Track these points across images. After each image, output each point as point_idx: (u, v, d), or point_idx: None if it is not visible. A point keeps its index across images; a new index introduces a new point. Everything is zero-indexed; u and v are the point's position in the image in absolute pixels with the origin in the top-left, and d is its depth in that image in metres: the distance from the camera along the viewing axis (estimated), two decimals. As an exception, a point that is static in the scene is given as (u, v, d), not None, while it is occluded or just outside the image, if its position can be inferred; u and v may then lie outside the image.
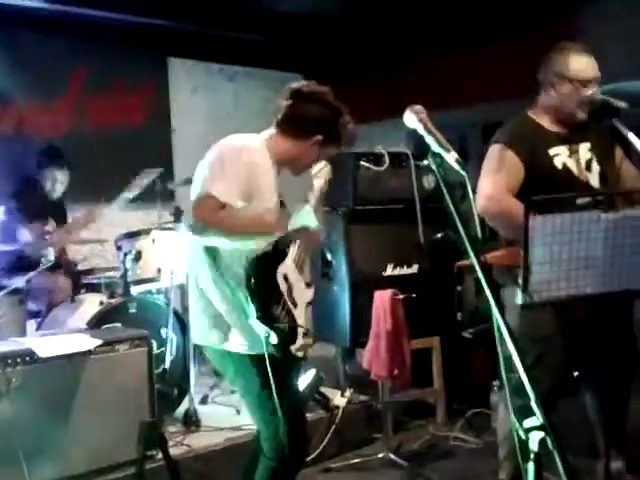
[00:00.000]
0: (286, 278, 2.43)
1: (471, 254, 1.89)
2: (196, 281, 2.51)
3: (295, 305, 2.43)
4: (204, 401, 4.21)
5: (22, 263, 4.16)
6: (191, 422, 3.79)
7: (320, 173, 2.65)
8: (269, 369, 2.32)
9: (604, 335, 2.74)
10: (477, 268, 1.88)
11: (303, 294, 2.51)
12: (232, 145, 2.41)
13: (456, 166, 1.93)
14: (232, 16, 5.19)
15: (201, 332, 2.51)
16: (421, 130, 1.99)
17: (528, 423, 1.73)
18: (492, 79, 5.06)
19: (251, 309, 2.30)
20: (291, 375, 2.58)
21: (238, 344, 2.42)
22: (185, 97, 5.81)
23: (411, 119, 2.00)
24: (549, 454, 1.68)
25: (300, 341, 2.41)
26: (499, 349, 1.94)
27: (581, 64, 2.78)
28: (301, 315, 2.46)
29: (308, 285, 2.58)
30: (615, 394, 2.86)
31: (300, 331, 2.43)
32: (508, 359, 2.75)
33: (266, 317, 2.30)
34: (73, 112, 5.18)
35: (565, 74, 2.79)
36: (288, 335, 2.36)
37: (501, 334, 1.88)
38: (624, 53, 4.39)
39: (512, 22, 4.89)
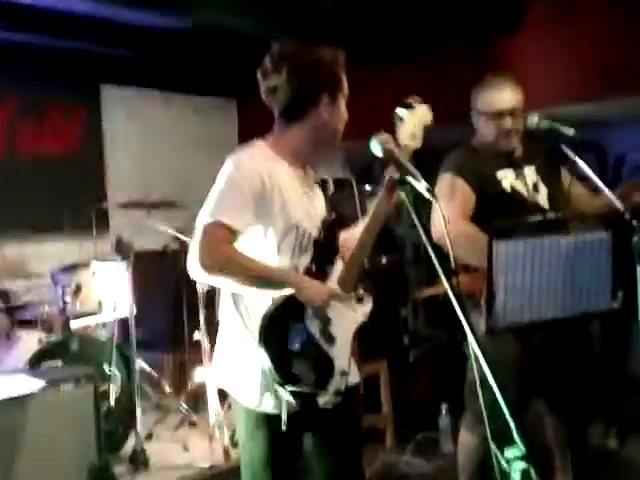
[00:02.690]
0: (319, 312, 2.03)
1: (444, 279, 1.88)
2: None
3: (332, 341, 2.04)
4: (149, 438, 4.06)
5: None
6: (139, 461, 3.64)
7: (412, 124, 2.12)
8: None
9: (563, 359, 2.78)
10: (450, 293, 1.88)
11: (350, 318, 2.12)
12: (236, 160, 2.03)
13: (426, 194, 1.92)
14: (165, 42, 5.11)
15: (215, 369, 2.17)
16: (389, 159, 1.98)
17: (510, 453, 1.72)
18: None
19: (265, 369, 1.95)
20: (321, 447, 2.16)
21: (245, 393, 2.04)
22: (119, 123, 5.66)
23: (377, 148, 1.99)
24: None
25: (331, 390, 2.01)
26: (476, 375, 1.92)
27: (489, 97, 2.86)
28: (342, 350, 2.07)
29: (361, 300, 2.18)
30: (575, 417, 2.91)
31: (337, 373, 2.04)
32: (469, 387, 2.78)
33: (282, 380, 1.94)
34: (3, 139, 4.96)
35: (478, 108, 2.89)
36: (313, 392, 1.99)
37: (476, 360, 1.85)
38: (554, 79, 4.54)
39: (438, 46, 4.98)
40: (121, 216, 4.87)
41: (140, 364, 4.08)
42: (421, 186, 1.90)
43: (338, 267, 2.13)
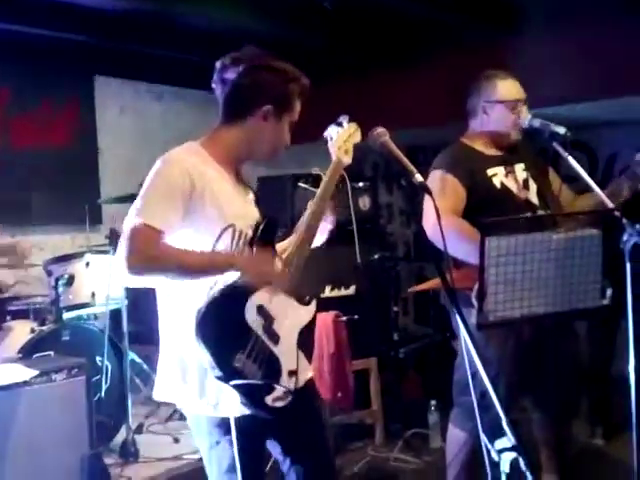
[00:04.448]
0: (261, 309, 1.98)
1: (439, 275, 1.91)
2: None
3: (276, 340, 2.00)
4: (139, 430, 4.07)
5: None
6: (129, 453, 3.66)
7: (341, 140, 2.22)
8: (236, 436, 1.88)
9: (551, 354, 2.82)
10: (445, 289, 1.91)
11: (293, 318, 2.09)
12: (166, 160, 1.97)
13: (420, 187, 1.95)
14: (160, 35, 5.11)
15: (157, 383, 2.08)
16: (385, 153, 2.00)
17: (500, 444, 1.75)
18: (415, 104, 5.18)
19: (206, 366, 1.88)
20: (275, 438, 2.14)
21: (199, 400, 1.97)
22: (112, 116, 5.65)
23: (374, 142, 2.02)
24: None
25: (279, 388, 1.95)
26: (467, 368, 1.96)
27: (508, 87, 2.91)
28: (287, 349, 2.04)
29: (305, 302, 2.15)
30: (562, 414, 2.94)
31: (284, 372, 2.00)
32: (458, 383, 2.81)
33: (224, 374, 1.86)
34: (-4, 132, 4.95)
35: (495, 98, 2.90)
36: (260, 386, 1.92)
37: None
38: (547, 80, 4.57)
39: (436, 48, 5.02)
40: (115, 208, 4.88)
41: (131, 356, 4.09)
42: (416, 180, 1.93)
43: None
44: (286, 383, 1.99)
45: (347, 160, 2.25)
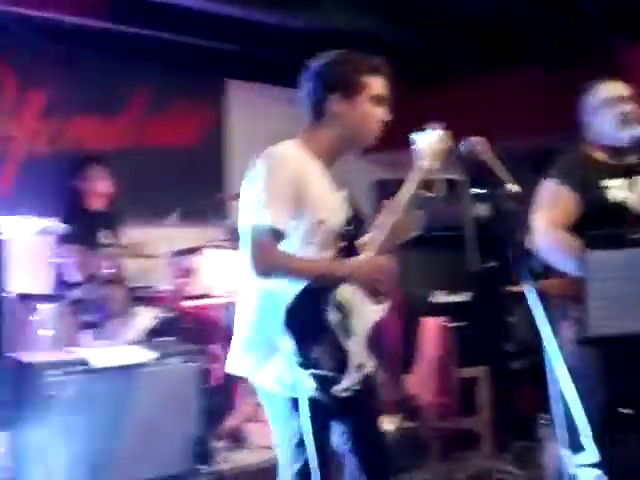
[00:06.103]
0: (340, 306, 2.13)
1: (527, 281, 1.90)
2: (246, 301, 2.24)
3: (349, 334, 2.14)
4: (249, 418, 4.23)
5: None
6: (237, 439, 3.82)
7: (426, 145, 2.21)
8: (308, 415, 2.04)
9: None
10: (533, 296, 1.90)
11: (367, 315, 2.22)
12: (275, 158, 2.14)
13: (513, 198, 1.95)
14: (292, 40, 5.27)
15: (233, 356, 2.25)
16: (481, 161, 2.01)
17: (579, 459, 1.72)
18: (531, 111, 5.06)
19: (291, 352, 2.05)
20: (339, 423, 2.29)
21: (272, 381, 2.15)
22: (243, 120, 5.86)
23: (469, 150, 2.03)
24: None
25: (347, 380, 2.11)
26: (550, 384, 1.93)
27: (605, 88, 2.85)
28: (357, 345, 2.18)
29: (379, 302, 2.25)
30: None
31: (352, 365, 2.14)
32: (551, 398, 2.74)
33: (304, 362, 2.04)
34: (131, 130, 5.28)
35: (595, 104, 2.84)
36: (331, 377, 2.08)
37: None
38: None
39: (551, 57, 4.88)
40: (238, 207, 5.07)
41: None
42: (510, 190, 1.93)
43: None
44: (354, 376, 2.13)
45: (430, 164, 2.22)
